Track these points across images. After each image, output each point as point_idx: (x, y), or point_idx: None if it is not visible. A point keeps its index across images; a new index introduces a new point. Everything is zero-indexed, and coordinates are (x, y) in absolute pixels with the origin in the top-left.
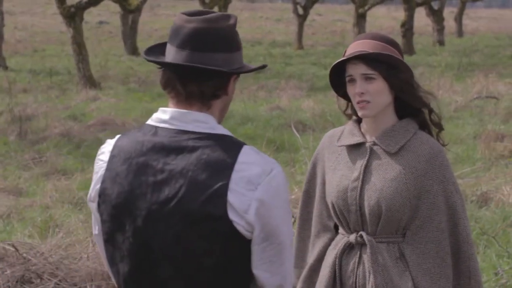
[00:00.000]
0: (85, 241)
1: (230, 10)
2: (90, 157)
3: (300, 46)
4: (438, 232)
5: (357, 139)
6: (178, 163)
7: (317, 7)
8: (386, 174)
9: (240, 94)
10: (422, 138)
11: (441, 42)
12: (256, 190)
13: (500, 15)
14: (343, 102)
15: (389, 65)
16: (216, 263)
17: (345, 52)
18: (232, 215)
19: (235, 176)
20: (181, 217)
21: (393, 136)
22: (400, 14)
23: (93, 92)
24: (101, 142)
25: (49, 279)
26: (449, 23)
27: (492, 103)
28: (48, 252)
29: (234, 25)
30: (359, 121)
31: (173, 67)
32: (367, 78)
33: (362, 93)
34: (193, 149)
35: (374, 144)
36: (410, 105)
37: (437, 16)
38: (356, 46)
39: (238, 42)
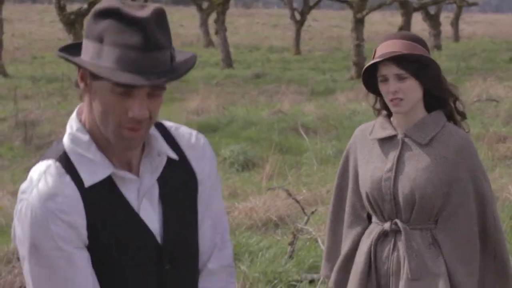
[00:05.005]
0: None
1: (228, 16)
2: None
3: (298, 51)
4: (469, 218)
5: (389, 132)
6: None
7: (313, 12)
8: (418, 164)
9: (241, 99)
10: (451, 130)
11: (437, 47)
12: None
13: (496, 20)
14: (372, 96)
15: (420, 64)
16: None
17: (375, 51)
18: None
19: None
20: None
21: (423, 128)
22: (395, 19)
23: None
24: None
25: None
26: (445, 27)
27: (493, 106)
28: None
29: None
30: (389, 115)
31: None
32: (400, 77)
33: (396, 91)
34: None
35: (406, 136)
36: (439, 97)
37: (433, 21)
38: (387, 46)
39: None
